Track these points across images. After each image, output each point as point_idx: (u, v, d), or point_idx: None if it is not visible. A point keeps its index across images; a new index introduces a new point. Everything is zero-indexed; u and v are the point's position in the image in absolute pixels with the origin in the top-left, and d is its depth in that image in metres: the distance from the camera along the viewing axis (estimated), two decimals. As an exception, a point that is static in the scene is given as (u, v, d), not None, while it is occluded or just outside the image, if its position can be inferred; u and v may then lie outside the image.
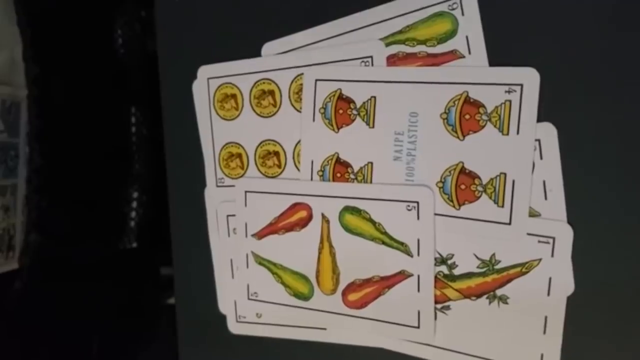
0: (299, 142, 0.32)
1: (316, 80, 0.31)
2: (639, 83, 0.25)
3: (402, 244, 0.30)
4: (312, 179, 0.32)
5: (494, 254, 0.28)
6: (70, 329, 0.48)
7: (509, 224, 0.27)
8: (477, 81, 0.27)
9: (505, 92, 0.27)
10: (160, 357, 0.48)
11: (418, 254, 0.29)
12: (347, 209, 0.31)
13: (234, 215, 0.35)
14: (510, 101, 0.27)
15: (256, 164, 0.34)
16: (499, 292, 0.28)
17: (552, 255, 0.27)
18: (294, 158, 0.32)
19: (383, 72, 0.30)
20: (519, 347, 0.28)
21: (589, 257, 0.27)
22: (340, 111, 0.31)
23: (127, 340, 0.50)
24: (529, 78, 0.26)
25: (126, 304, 0.50)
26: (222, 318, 0.36)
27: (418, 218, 0.29)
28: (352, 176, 0.31)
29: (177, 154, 0.37)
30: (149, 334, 0.51)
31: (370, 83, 0.30)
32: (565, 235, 0.27)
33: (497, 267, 0.28)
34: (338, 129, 0.31)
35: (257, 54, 0.33)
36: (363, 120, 0.30)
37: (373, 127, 0.30)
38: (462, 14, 0.28)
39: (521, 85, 0.26)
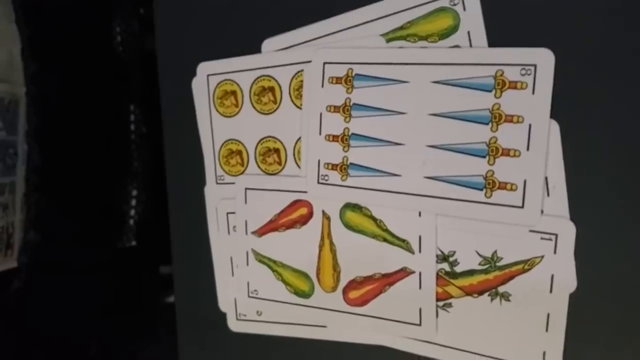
0: (299, 139, 0.32)
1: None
2: (641, 79, 0.25)
3: (403, 241, 0.30)
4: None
5: (495, 251, 0.28)
6: (69, 328, 0.48)
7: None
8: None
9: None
10: (160, 356, 0.48)
11: (420, 251, 0.29)
12: (348, 205, 0.31)
13: (234, 213, 0.34)
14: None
15: (256, 161, 0.34)
16: (501, 289, 0.28)
17: (555, 252, 0.27)
18: (294, 155, 0.32)
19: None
20: (521, 344, 0.28)
21: (592, 254, 0.27)
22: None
23: (127, 338, 0.49)
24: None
25: (125, 302, 0.49)
26: (222, 316, 0.36)
27: (420, 215, 0.29)
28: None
29: (176, 152, 0.37)
30: (148, 333, 0.51)
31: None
32: (567, 232, 0.27)
33: (499, 264, 0.28)
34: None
35: (257, 50, 0.33)
36: None
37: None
38: (464, 9, 0.28)
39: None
